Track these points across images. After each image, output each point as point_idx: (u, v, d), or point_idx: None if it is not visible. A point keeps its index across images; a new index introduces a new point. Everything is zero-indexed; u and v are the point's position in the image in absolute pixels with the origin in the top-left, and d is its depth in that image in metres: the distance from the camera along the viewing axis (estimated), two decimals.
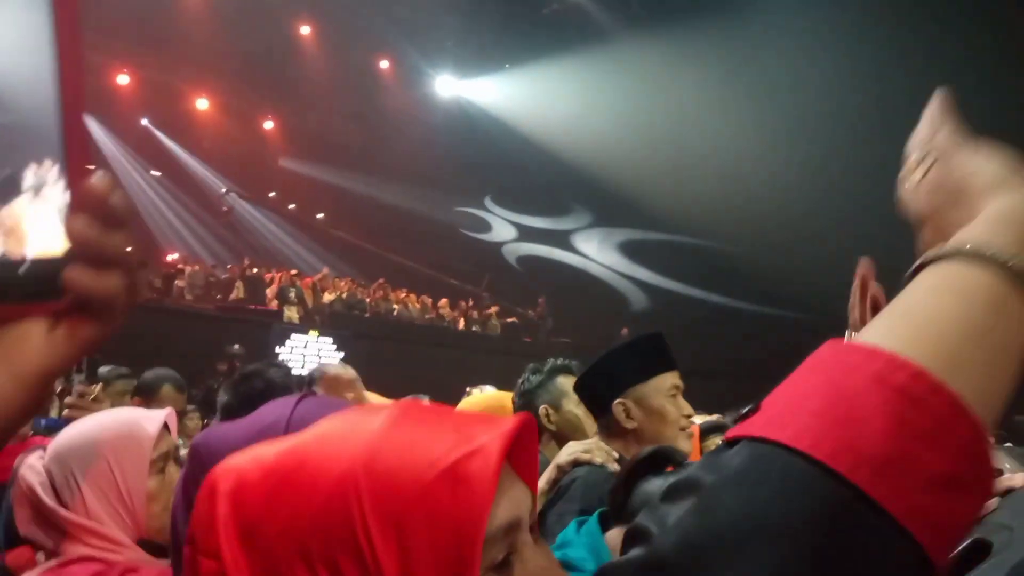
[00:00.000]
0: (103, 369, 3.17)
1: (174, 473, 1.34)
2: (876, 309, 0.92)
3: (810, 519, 0.38)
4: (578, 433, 2.12)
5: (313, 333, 11.52)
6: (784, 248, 13.64)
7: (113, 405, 3.00)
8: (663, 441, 1.82)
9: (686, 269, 17.34)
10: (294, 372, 2.97)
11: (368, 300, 14.31)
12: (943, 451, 0.39)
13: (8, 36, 0.44)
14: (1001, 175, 0.53)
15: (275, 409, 0.92)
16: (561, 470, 1.81)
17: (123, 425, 1.33)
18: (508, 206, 20.04)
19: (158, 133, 17.06)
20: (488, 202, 20.08)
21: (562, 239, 19.89)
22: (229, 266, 14.85)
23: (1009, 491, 1.27)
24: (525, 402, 2.25)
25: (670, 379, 1.90)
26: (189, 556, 0.59)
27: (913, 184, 0.59)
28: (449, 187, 18.96)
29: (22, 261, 0.41)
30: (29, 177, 0.42)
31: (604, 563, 0.52)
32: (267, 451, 0.61)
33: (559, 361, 2.33)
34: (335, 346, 11.48)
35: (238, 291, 12.73)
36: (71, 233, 0.42)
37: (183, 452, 1.28)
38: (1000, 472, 1.47)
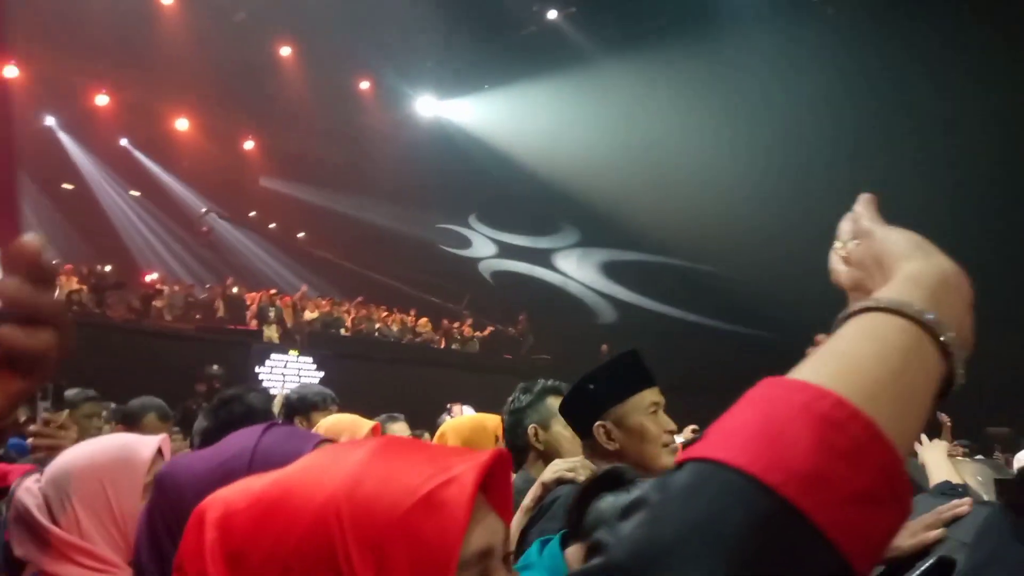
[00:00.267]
0: (69, 392, 3.16)
1: None
2: None
3: (746, 529, 0.42)
4: (565, 454, 2.14)
5: (293, 353, 11.49)
6: (763, 268, 13.77)
7: (81, 428, 3.01)
8: (647, 459, 1.86)
9: (664, 287, 17.47)
10: (274, 392, 3.00)
11: (350, 316, 14.29)
12: (861, 469, 0.44)
13: None
14: (911, 247, 0.63)
15: (240, 439, 0.93)
16: (545, 488, 1.83)
17: (118, 449, 1.37)
18: (490, 224, 20.13)
19: (138, 153, 17.00)
20: (473, 220, 20.17)
21: (541, 257, 19.99)
22: (208, 286, 14.78)
23: (956, 519, 1.37)
24: (515, 420, 2.27)
25: (649, 396, 1.91)
26: None
27: (841, 260, 0.71)
28: (429, 205, 19.01)
29: None
30: None
31: None
32: (255, 482, 0.65)
33: (549, 382, 2.34)
34: (315, 366, 11.45)
35: (219, 311, 12.69)
36: (4, 294, 0.44)
37: None
38: (963, 490, 1.54)
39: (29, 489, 1.35)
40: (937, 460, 2.15)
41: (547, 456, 2.18)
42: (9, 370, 0.45)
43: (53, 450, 2.34)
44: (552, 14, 16.61)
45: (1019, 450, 3.73)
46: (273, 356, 11.22)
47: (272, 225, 18.48)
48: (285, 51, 17.20)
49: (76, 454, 1.38)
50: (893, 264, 0.62)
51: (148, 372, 8.29)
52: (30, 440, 2.30)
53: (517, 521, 1.81)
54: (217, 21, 15.39)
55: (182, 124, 17.02)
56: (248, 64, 16.13)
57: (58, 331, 0.47)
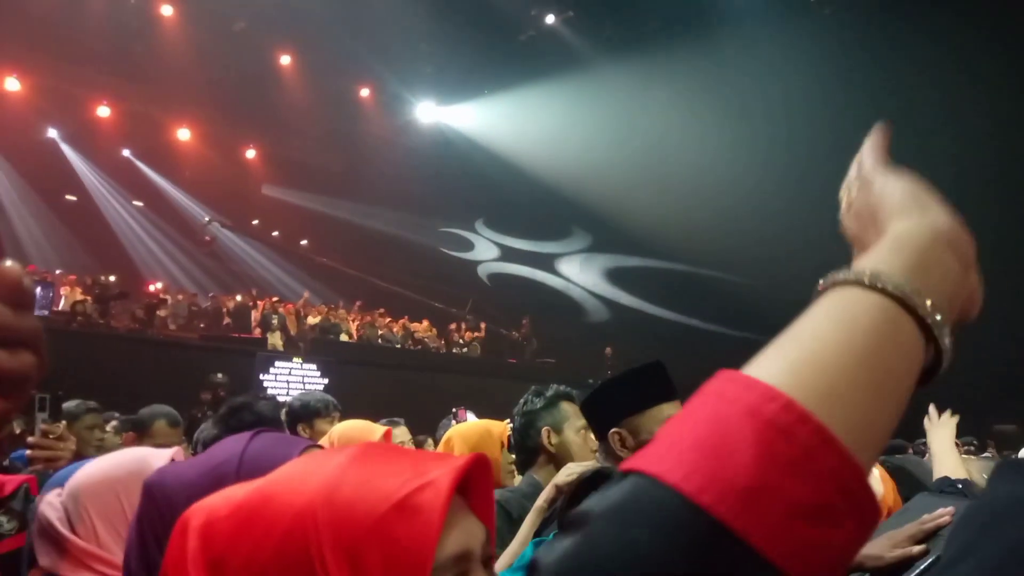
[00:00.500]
0: (69, 404, 3.17)
1: None
2: None
3: (677, 554, 0.39)
4: (576, 458, 2.15)
5: (297, 360, 11.50)
6: (766, 271, 13.75)
7: (83, 440, 3.02)
8: None
9: (667, 291, 17.47)
10: (282, 399, 3.01)
11: (355, 323, 14.31)
12: (808, 480, 0.40)
13: None
14: (905, 201, 0.56)
15: (228, 446, 0.94)
16: (559, 490, 1.84)
17: (133, 463, 1.43)
18: (494, 228, 20.18)
19: (140, 164, 17.07)
20: (480, 225, 20.23)
21: (543, 261, 20.02)
22: (212, 295, 14.82)
23: (939, 529, 1.36)
24: (527, 422, 2.28)
25: (668, 410, 1.89)
26: None
27: (844, 210, 0.63)
28: (430, 211, 19.07)
29: None
30: None
31: None
32: (237, 490, 0.66)
33: (562, 388, 2.36)
34: (319, 372, 11.46)
35: (227, 319, 12.74)
36: None
37: None
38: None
39: (51, 503, 1.43)
40: (943, 444, 2.09)
41: (557, 460, 2.20)
42: None
43: (52, 461, 2.34)
44: (550, 18, 16.67)
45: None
46: (277, 364, 11.23)
47: (275, 233, 18.54)
48: (285, 60, 17.29)
49: (93, 469, 1.45)
50: (885, 221, 0.56)
51: (153, 381, 8.30)
52: (29, 452, 2.31)
53: (530, 522, 1.83)
54: (217, 31, 15.48)
55: (184, 134, 17.11)
56: (248, 73, 16.21)
57: (37, 353, 0.48)
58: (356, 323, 14.50)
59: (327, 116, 17.79)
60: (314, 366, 11.51)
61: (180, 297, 13.80)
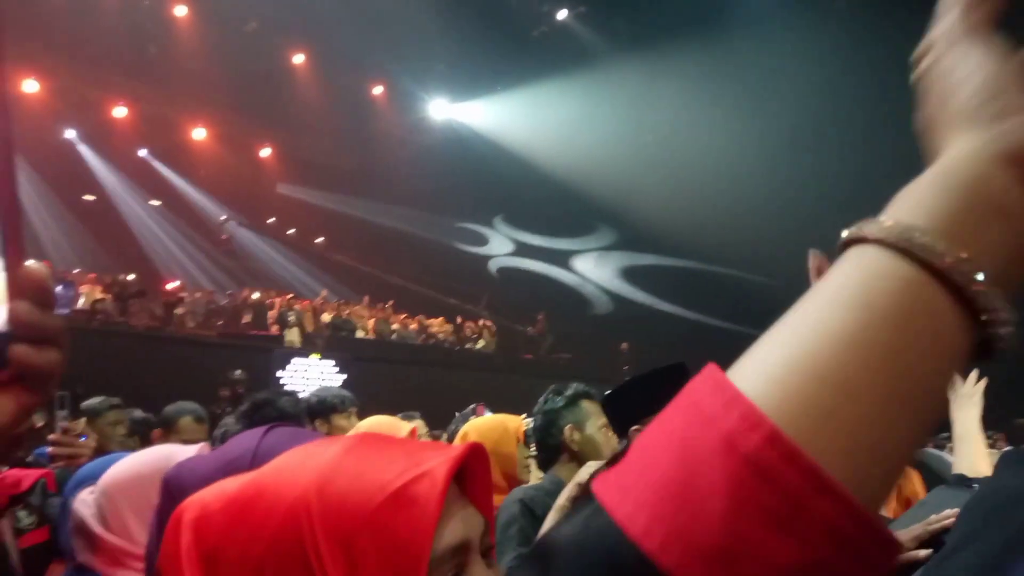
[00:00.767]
0: (93, 401, 3.22)
1: None
2: None
3: None
4: (599, 455, 2.19)
5: (314, 356, 11.57)
6: (781, 268, 13.63)
7: (105, 436, 3.06)
8: None
9: (682, 289, 17.40)
10: (303, 395, 3.04)
11: (370, 319, 14.37)
12: (794, 537, 0.32)
13: None
14: (979, 95, 0.39)
15: (243, 441, 0.95)
16: (581, 488, 1.85)
17: (160, 459, 1.46)
18: (512, 224, 20.18)
19: (156, 163, 17.22)
20: (498, 222, 20.24)
21: (558, 257, 20.00)
22: (229, 292, 14.93)
23: (915, 564, 1.35)
24: (548, 421, 2.30)
25: None
26: None
27: (915, 81, 0.45)
28: (444, 208, 19.11)
29: None
30: None
31: None
32: (230, 483, 0.65)
33: (581, 386, 2.39)
34: (336, 369, 11.52)
35: (246, 317, 12.84)
36: (16, 316, 0.48)
37: None
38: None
39: (84, 500, 1.48)
40: (967, 427, 1.78)
41: (580, 457, 2.22)
42: (18, 384, 0.49)
43: (72, 459, 2.37)
44: (562, 14, 16.62)
45: None
46: (295, 360, 11.30)
47: (290, 231, 18.64)
48: (298, 58, 17.37)
49: (124, 466, 1.50)
50: (947, 126, 0.40)
51: (172, 379, 8.39)
52: (50, 449, 2.34)
53: (552, 520, 1.85)
54: (230, 31, 15.58)
55: (199, 133, 17.24)
56: (262, 72, 16.30)
57: (60, 350, 0.50)
58: (371, 320, 14.55)
59: (340, 114, 17.85)
60: (332, 362, 11.58)
61: (198, 295, 13.91)
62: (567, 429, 2.26)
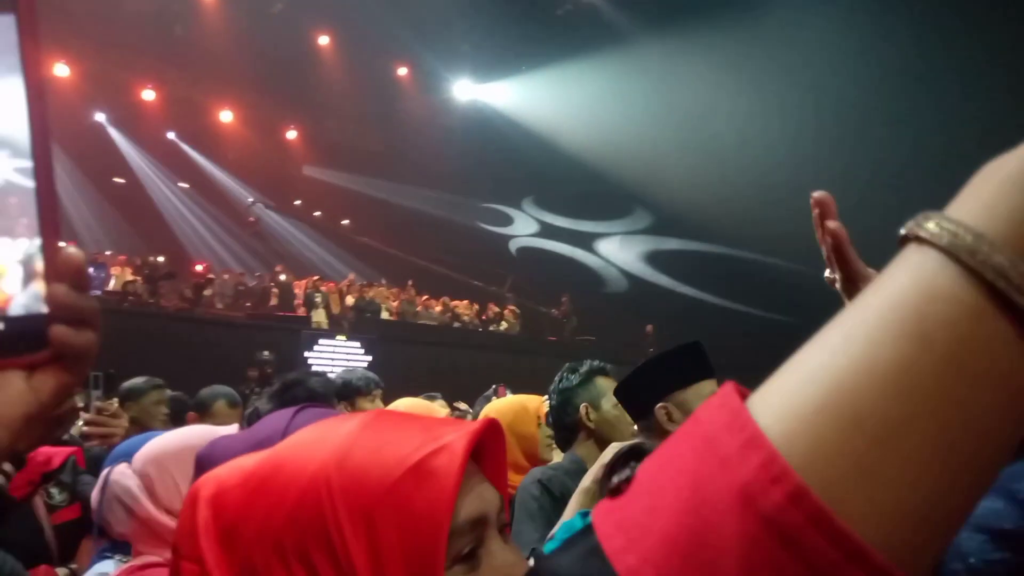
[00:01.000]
0: (137, 381, 3.28)
1: None
2: (839, 254, 0.90)
3: None
4: (615, 432, 2.19)
5: (341, 337, 11.68)
6: (810, 254, 13.42)
7: (148, 415, 3.12)
8: None
9: (704, 271, 17.25)
10: (331, 376, 3.07)
11: (394, 301, 14.45)
12: None
13: None
14: None
15: (273, 421, 0.96)
16: (606, 468, 1.87)
17: (206, 432, 1.49)
18: (540, 206, 20.13)
19: (184, 146, 17.40)
20: (526, 203, 20.20)
21: (583, 239, 19.91)
22: (257, 274, 15.10)
23: None
24: (564, 400, 2.30)
25: (708, 387, 1.98)
26: (173, 563, 0.62)
27: None
28: (469, 189, 19.11)
29: (3, 319, 0.49)
30: (6, 248, 0.49)
31: None
32: (247, 460, 0.65)
33: (595, 363, 2.37)
34: (363, 350, 11.63)
35: (274, 298, 12.99)
36: (55, 298, 0.49)
37: None
38: None
39: (123, 472, 1.48)
40: None
41: (598, 435, 2.22)
42: (56, 365, 0.50)
43: (106, 438, 2.42)
44: None
45: None
46: (321, 341, 11.43)
47: (317, 213, 18.76)
48: (323, 40, 17.39)
49: (171, 438, 1.51)
50: None
51: (201, 359, 8.53)
52: (85, 428, 2.38)
53: (577, 503, 1.85)
54: (256, 14, 15.65)
55: (226, 116, 17.36)
56: (287, 55, 16.35)
57: (96, 331, 0.51)
58: (396, 302, 14.63)
59: (365, 96, 17.88)
60: (357, 343, 11.68)
61: (226, 276, 14.09)
62: (582, 408, 2.25)
